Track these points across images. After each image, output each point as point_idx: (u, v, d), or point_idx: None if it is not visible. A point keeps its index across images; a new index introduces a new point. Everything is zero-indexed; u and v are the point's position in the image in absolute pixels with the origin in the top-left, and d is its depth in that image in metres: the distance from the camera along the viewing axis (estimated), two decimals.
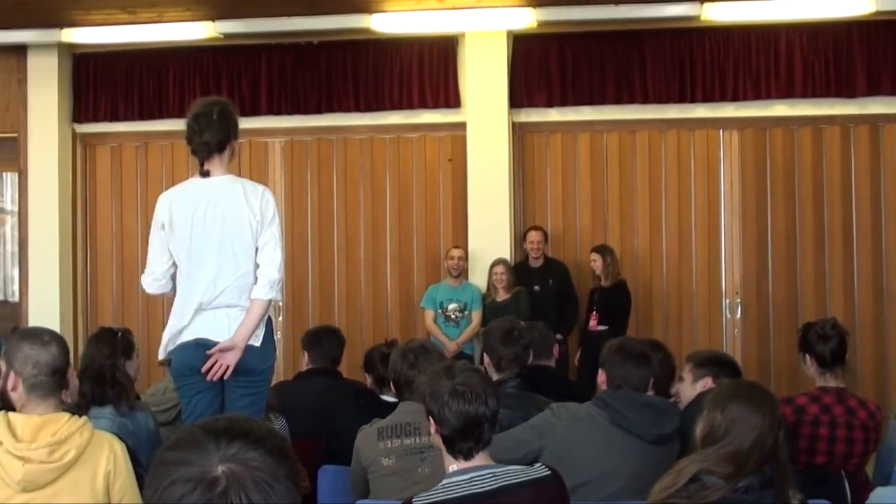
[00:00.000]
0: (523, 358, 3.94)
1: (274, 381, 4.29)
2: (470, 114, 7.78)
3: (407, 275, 8.03)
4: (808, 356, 3.66)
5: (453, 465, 2.56)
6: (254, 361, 3.67)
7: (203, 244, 3.64)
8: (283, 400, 4.30)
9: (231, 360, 3.60)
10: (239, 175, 3.91)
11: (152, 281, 3.73)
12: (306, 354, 4.71)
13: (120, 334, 3.95)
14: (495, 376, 3.83)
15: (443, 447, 2.59)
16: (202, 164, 3.69)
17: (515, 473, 2.53)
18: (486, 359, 3.94)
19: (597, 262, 7.32)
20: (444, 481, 2.53)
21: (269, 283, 3.64)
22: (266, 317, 3.73)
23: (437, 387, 2.58)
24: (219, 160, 3.70)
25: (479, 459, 2.55)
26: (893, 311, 7.50)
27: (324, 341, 4.71)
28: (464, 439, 2.52)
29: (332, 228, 8.11)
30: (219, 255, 3.64)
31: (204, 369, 3.61)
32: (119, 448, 2.70)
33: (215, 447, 1.22)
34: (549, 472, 2.58)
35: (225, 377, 3.62)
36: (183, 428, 1.62)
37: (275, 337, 3.84)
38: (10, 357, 2.72)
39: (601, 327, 7.18)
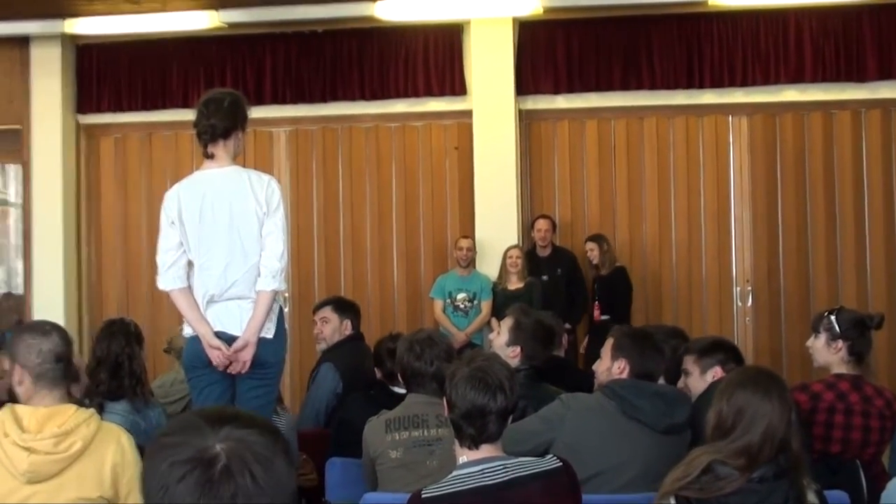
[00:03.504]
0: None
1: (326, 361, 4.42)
2: (476, 101, 7.75)
3: (413, 265, 8.01)
4: (841, 342, 3.55)
5: (463, 457, 2.55)
6: (266, 354, 3.68)
7: (212, 236, 3.65)
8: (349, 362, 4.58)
9: (246, 356, 3.63)
10: (243, 165, 3.91)
11: (169, 278, 3.71)
12: (350, 322, 4.88)
13: (133, 324, 3.99)
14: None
15: (453, 436, 2.60)
16: (205, 147, 3.70)
17: (526, 465, 2.53)
18: (515, 350, 3.85)
19: (593, 251, 7.33)
20: (454, 473, 2.52)
21: (270, 273, 3.64)
22: (276, 308, 3.73)
23: (456, 369, 2.61)
24: (223, 147, 3.70)
25: (489, 451, 2.55)
26: None
27: (357, 310, 5.06)
28: (467, 426, 2.53)
29: (337, 219, 8.10)
30: (228, 247, 3.64)
31: (220, 369, 3.63)
32: (126, 441, 2.69)
33: (211, 428, 1.26)
34: (560, 464, 2.57)
35: (243, 371, 3.64)
36: (176, 416, 1.66)
37: (286, 328, 3.84)
38: (14, 351, 2.72)
39: (604, 317, 7.17)
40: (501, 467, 2.49)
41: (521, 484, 2.47)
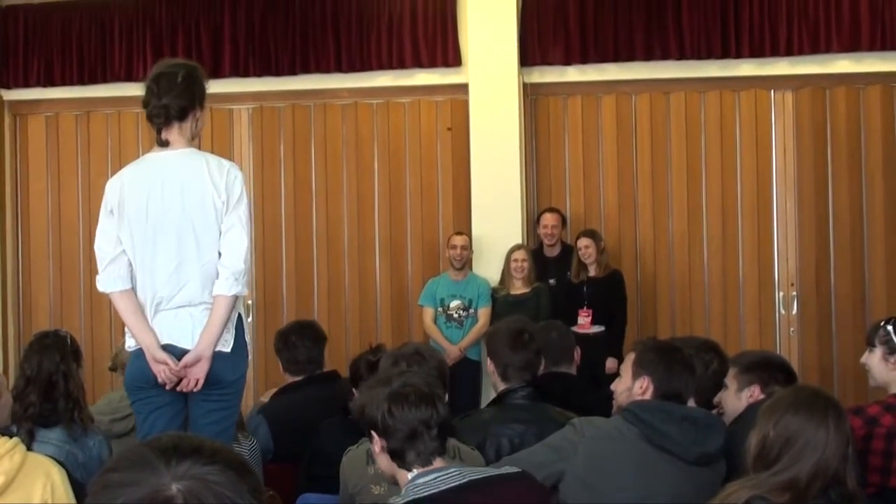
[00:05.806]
0: (535, 365, 3.92)
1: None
2: (473, 74, 7.76)
3: (399, 267, 8.02)
4: None
5: (414, 471, 2.70)
6: (223, 371, 3.67)
7: (160, 229, 3.65)
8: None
9: (200, 372, 3.62)
10: (199, 149, 3.91)
11: (110, 278, 3.71)
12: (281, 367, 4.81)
13: (69, 337, 3.98)
14: (501, 386, 3.83)
15: (394, 467, 2.73)
16: (159, 133, 3.71)
17: (485, 470, 2.77)
18: (490, 365, 3.92)
19: (590, 248, 7.31)
20: (407, 485, 2.66)
21: (233, 275, 3.63)
22: (235, 317, 3.72)
23: (372, 396, 2.75)
24: (178, 130, 3.71)
25: (441, 463, 2.72)
26: None
27: (292, 342, 4.72)
28: (414, 446, 2.69)
29: (310, 212, 8.10)
30: (178, 241, 3.65)
31: (168, 387, 3.63)
32: (58, 475, 2.69)
33: (165, 464, 1.25)
34: (521, 470, 2.78)
35: (195, 389, 3.64)
36: (125, 447, 1.64)
37: (247, 340, 3.83)
38: None
39: (596, 328, 7.18)
40: (457, 473, 2.66)
41: (477, 486, 2.63)
